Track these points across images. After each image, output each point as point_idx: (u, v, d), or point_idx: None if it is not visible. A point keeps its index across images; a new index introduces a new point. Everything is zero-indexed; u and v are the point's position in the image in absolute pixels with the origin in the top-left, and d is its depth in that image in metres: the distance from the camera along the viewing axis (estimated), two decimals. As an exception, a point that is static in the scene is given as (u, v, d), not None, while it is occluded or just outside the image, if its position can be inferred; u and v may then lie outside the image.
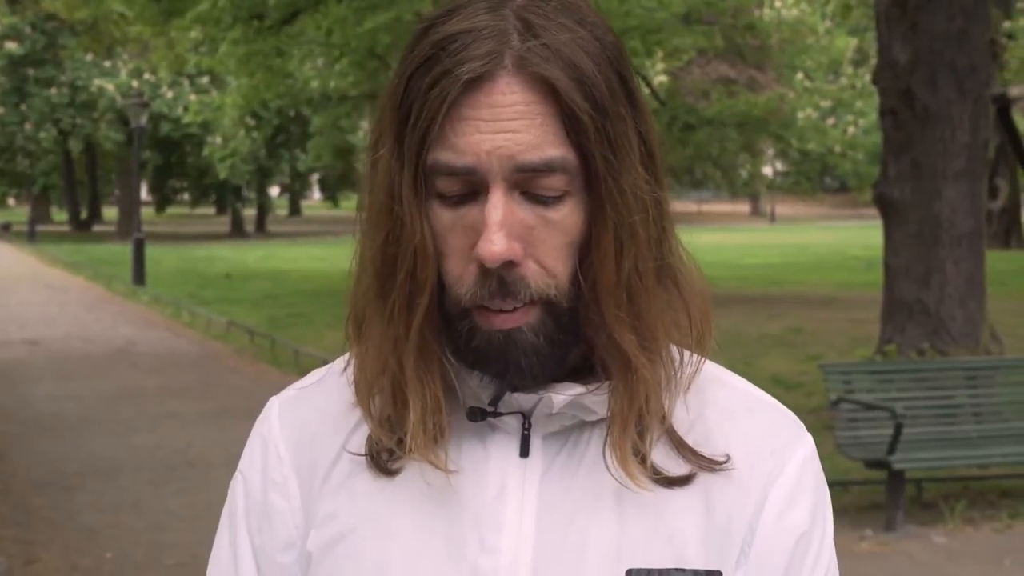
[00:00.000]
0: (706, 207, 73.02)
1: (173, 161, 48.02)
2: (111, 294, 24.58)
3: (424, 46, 1.12)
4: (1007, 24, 24.98)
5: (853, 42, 38.82)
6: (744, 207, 74.13)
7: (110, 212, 58.04)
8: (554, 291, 1.13)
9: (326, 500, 1.22)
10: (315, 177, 56.54)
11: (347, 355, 1.24)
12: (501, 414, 1.18)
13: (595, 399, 1.16)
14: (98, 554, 7.17)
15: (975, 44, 10.96)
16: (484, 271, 1.11)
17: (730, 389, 1.25)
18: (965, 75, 10.92)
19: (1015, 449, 8.44)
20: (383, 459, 1.20)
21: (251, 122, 32.95)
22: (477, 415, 1.19)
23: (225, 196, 51.06)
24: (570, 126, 1.10)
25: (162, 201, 54.55)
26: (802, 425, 1.25)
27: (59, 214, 60.70)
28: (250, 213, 51.81)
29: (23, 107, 44.01)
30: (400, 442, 1.17)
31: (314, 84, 23.84)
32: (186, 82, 42.33)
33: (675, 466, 1.18)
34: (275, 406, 1.29)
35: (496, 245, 1.09)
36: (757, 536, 1.19)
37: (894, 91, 11.14)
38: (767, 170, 47.83)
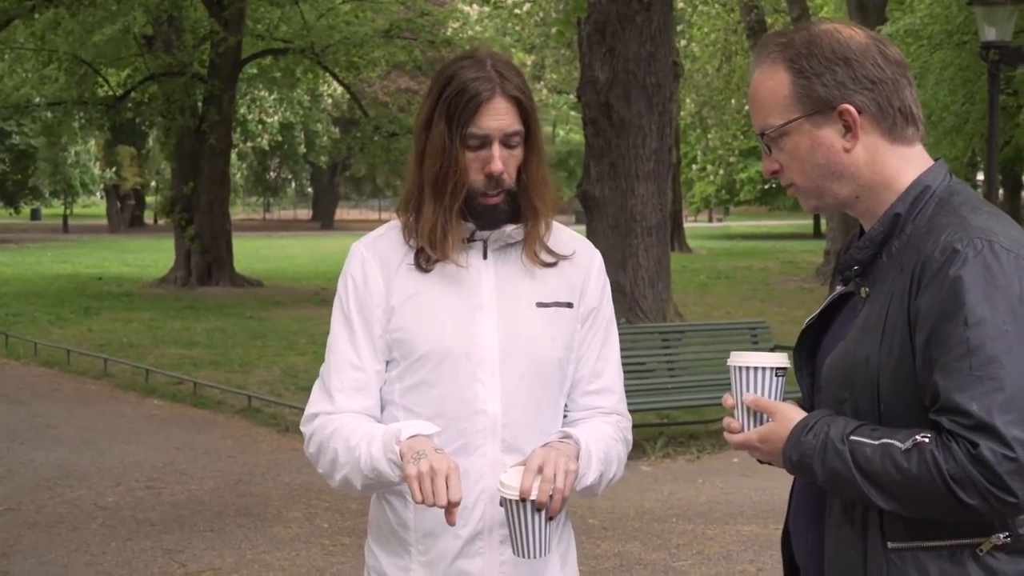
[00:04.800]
0: (385, 215, 74.49)
1: None
2: None
3: (456, 84, 2.61)
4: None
5: (530, 59, 41.26)
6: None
7: None
8: (512, 185, 2.65)
9: (396, 283, 2.68)
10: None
11: (395, 220, 2.74)
12: (475, 240, 2.69)
13: (519, 231, 2.70)
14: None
15: (661, 66, 12.78)
16: (489, 176, 2.61)
17: (567, 231, 2.80)
18: (653, 92, 12.75)
19: (698, 396, 10.34)
20: (424, 262, 2.67)
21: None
22: (467, 240, 2.69)
23: None
24: (522, 116, 2.63)
25: None
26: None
27: None
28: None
29: None
30: (434, 253, 2.66)
31: (24, 89, 23.88)
32: None
33: (550, 258, 2.72)
34: (360, 244, 2.74)
35: (496, 165, 2.61)
36: (586, 286, 2.76)
37: (595, 104, 12.81)
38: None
